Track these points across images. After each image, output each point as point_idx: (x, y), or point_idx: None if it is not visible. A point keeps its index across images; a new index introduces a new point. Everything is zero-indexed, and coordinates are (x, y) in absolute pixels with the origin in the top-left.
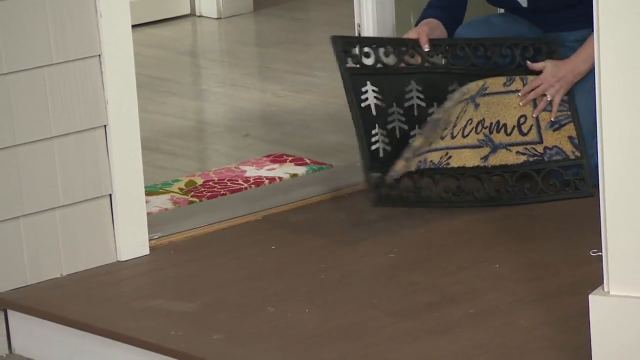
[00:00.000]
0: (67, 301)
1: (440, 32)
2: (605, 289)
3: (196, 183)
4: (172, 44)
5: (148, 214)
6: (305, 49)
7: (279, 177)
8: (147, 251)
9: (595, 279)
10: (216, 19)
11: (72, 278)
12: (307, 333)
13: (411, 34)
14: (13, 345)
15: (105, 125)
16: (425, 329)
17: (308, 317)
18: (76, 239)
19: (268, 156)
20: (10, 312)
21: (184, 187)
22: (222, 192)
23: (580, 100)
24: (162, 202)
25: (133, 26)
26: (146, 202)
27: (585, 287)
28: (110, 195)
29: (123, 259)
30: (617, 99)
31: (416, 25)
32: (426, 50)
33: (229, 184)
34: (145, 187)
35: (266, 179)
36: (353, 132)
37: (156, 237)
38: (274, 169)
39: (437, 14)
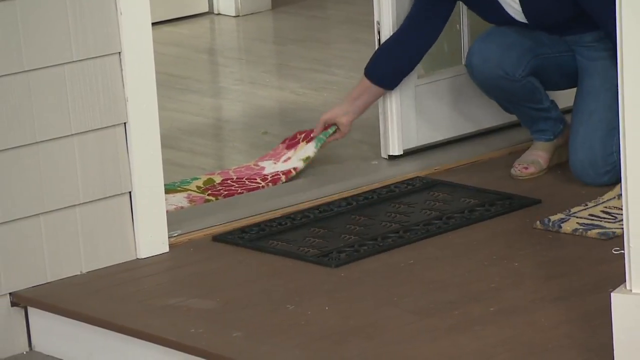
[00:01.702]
0: (87, 298)
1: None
2: (628, 287)
3: (214, 181)
4: (191, 41)
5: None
6: (324, 47)
7: (294, 169)
8: (166, 249)
9: (617, 277)
10: (234, 16)
11: (91, 275)
12: (327, 330)
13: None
14: (33, 343)
15: (125, 123)
16: (446, 326)
17: (328, 315)
18: (96, 236)
19: (284, 142)
20: (30, 310)
21: (202, 185)
22: (239, 191)
23: (599, 98)
24: (179, 200)
25: (151, 24)
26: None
27: (607, 286)
28: (130, 192)
29: (142, 257)
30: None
31: (366, 70)
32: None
33: (247, 182)
34: (166, 185)
35: (282, 174)
36: (370, 129)
37: (175, 234)
38: (289, 158)
39: (382, 72)
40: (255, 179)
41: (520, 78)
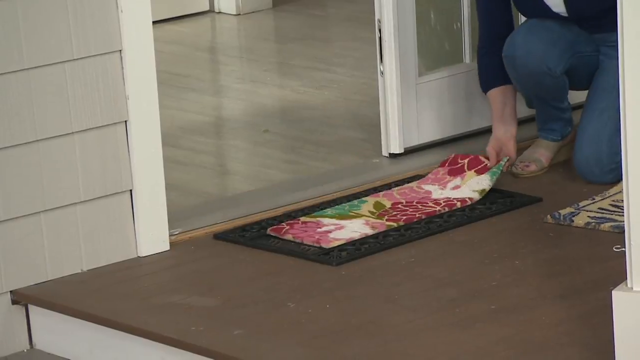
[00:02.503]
0: (87, 296)
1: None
2: (629, 285)
3: (385, 206)
4: (191, 40)
5: (349, 240)
6: (324, 45)
7: (469, 199)
8: (167, 247)
9: (618, 275)
10: (235, 15)
11: (92, 273)
12: (329, 328)
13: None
14: (34, 340)
15: (125, 121)
16: (447, 324)
17: (329, 313)
18: (97, 234)
19: (443, 165)
20: (31, 307)
21: (374, 210)
22: (416, 216)
23: (611, 96)
24: (359, 227)
25: (152, 22)
26: (342, 227)
27: (608, 284)
28: (131, 190)
29: (143, 255)
30: None
31: (482, 88)
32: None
33: (420, 206)
34: (334, 209)
35: (457, 201)
36: (372, 127)
37: (176, 232)
38: (458, 186)
39: (497, 67)
40: (427, 203)
41: (560, 75)
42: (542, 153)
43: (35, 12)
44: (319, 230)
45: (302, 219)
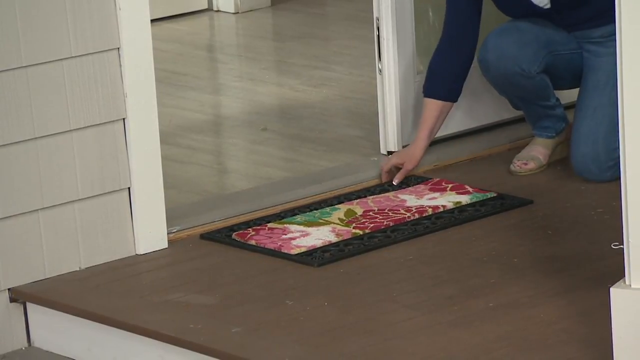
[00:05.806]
0: (85, 294)
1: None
2: (627, 282)
3: (356, 213)
4: (190, 38)
5: (311, 247)
6: (323, 44)
7: (442, 206)
8: (165, 244)
9: (616, 272)
10: (233, 13)
11: (90, 271)
12: (326, 326)
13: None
14: (32, 338)
15: (124, 119)
16: (445, 322)
17: (327, 311)
18: (95, 232)
19: (426, 183)
20: (29, 305)
21: (344, 217)
22: (384, 223)
23: (603, 94)
24: (324, 234)
25: (151, 21)
26: (307, 233)
27: (606, 281)
28: (129, 188)
29: (141, 252)
30: (638, 93)
31: (425, 91)
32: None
33: (390, 214)
34: (304, 215)
35: (429, 208)
36: (370, 126)
37: (175, 230)
38: (435, 198)
39: (440, 86)
40: (399, 210)
41: (535, 74)
42: (540, 150)
43: (34, 9)
44: (284, 236)
45: (270, 225)
